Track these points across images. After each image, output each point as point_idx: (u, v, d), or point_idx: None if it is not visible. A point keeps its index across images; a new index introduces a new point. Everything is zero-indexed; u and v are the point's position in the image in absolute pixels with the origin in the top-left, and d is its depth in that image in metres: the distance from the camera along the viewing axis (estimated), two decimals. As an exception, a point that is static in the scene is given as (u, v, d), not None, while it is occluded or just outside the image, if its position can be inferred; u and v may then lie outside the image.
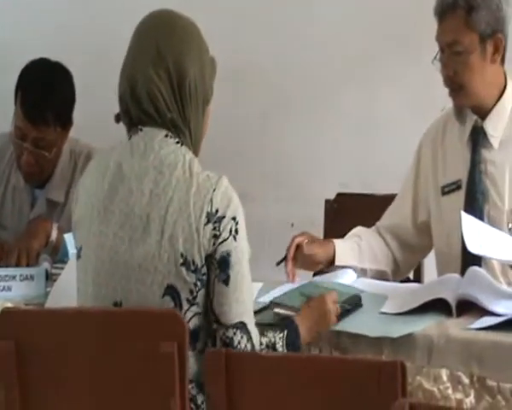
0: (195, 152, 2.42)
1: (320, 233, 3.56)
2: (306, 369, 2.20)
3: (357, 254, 3.02)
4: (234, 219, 2.35)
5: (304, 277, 3.03)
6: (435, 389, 2.52)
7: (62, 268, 3.02)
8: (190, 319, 2.38)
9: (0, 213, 3.56)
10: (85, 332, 2.34)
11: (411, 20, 3.83)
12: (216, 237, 2.35)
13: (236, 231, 2.35)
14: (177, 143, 2.38)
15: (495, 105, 2.98)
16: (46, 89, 3.37)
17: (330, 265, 2.97)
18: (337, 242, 3.01)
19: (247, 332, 2.34)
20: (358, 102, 4.04)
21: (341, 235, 3.36)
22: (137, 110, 2.40)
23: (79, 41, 4.45)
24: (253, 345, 2.36)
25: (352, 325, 2.70)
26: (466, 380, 2.50)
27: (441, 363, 2.51)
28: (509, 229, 2.93)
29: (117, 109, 2.42)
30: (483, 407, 2.47)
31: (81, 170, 3.41)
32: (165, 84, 2.40)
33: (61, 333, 2.35)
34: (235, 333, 2.36)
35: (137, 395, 2.32)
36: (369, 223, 3.25)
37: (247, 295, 2.39)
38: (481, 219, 2.96)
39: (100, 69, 4.25)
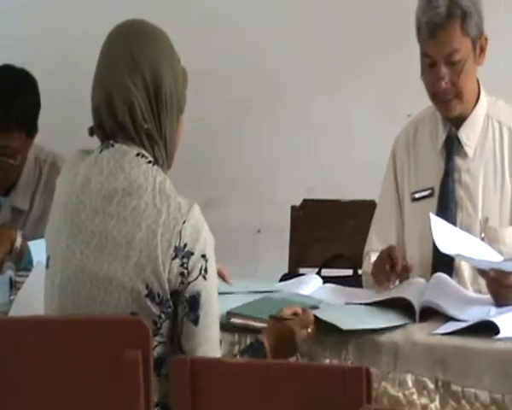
0: (169, 163, 2.38)
1: (286, 239, 3.57)
2: (271, 375, 2.17)
3: None
4: (203, 256, 2.29)
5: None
6: (400, 395, 2.52)
7: (26, 276, 3.00)
8: (154, 347, 2.34)
9: None
10: (49, 340, 2.29)
11: (380, 27, 3.85)
12: (183, 275, 2.30)
13: (206, 269, 2.30)
14: (149, 162, 2.32)
15: (470, 114, 2.99)
16: (10, 95, 3.35)
17: None
18: None
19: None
20: (326, 108, 4.07)
21: (306, 241, 3.41)
22: (112, 122, 2.34)
23: (44, 48, 4.44)
24: None
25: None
26: (431, 385, 2.50)
27: (406, 368, 2.50)
28: (482, 238, 2.91)
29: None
30: None
31: (46, 177, 3.46)
32: (142, 93, 2.37)
33: (24, 341, 2.31)
34: None
35: (102, 403, 2.28)
36: (334, 229, 3.26)
37: (215, 331, 2.36)
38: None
39: (65, 77, 4.21)
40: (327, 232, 3.28)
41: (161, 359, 2.35)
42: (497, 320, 2.48)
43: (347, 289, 2.95)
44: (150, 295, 2.29)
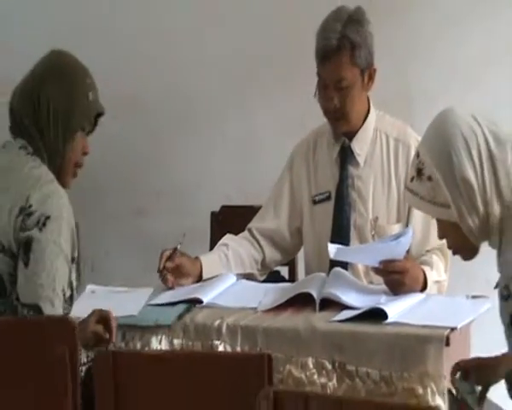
0: (62, 166, 2.53)
1: (207, 243, 3.60)
2: (184, 364, 2.19)
3: (225, 262, 3.02)
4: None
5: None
6: (303, 376, 2.54)
7: None
8: None
9: None
10: None
11: (287, 54, 3.83)
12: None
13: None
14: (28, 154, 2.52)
15: (361, 127, 3.01)
16: None
17: (200, 279, 2.96)
18: (203, 257, 3.01)
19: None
20: (239, 126, 4.05)
21: None
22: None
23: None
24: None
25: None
26: (329, 366, 2.52)
27: (308, 353, 2.52)
28: (372, 235, 2.97)
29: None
30: (344, 389, 2.48)
31: None
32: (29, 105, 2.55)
33: None
34: (28, 313, 2.37)
35: (32, 399, 2.27)
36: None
37: (46, 281, 2.38)
38: (348, 226, 3.01)
39: None
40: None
41: None
42: (386, 307, 2.52)
43: (261, 286, 2.96)
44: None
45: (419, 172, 2.23)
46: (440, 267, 2.84)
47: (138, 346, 2.62)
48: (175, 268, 2.89)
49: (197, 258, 2.97)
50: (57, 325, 2.26)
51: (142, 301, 2.79)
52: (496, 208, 2.17)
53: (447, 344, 2.41)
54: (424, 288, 2.75)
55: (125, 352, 2.39)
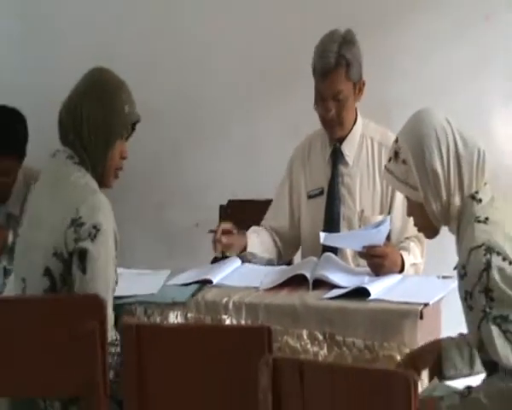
0: (104, 171, 2.46)
1: None
2: (197, 335, 2.19)
3: (259, 245, 3.02)
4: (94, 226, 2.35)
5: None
6: (298, 345, 2.54)
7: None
8: None
9: None
10: (28, 318, 2.27)
11: (285, 69, 3.79)
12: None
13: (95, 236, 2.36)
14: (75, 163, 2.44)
15: (349, 133, 3.01)
16: (4, 129, 3.30)
17: (244, 250, 2.97)
18: (248, 234, 3.01)
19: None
20: (243, 132, 4.02)
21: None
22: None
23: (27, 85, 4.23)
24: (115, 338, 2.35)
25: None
26: (320, 337, 2.52)
27: (302, 325, 2.53)
28: (359, 226, 2.98)
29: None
30: (333, 356, 2.50)
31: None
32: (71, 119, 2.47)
33: (6, 318, 2.28)
34: None
35: (69, 366, 2.26)
36: (251, 220, 3.29)
37: (101, 287, 2.35)
38: (338, 217, 3.01)
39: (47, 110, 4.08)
40: (246, 223, 3.22)
41: None
42: (369, 286, 2.55)
43: (262, 268, 2.94)
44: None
45: (396, 154, 2.19)
46: (417, 252, 2.82)
47: (158, 320, 2.61)
48: (226, 243, 2.89)
49: (245, 234, 2.98)
50: (89, 303, 2.27)
51: (161, 281, 2.79)
52: (456, 200, 2.14)
53: (421, 318, 2.42)
54: (402, 270, 2.75)
55: (147, 325, 2.40)
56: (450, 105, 3.27)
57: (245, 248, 2.94)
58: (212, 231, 2.90)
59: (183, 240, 3.94)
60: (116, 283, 2.43)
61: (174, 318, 2.63)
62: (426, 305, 2.44)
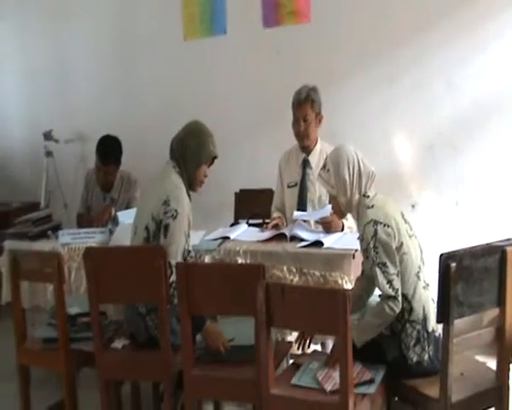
0: (192, 181, 2.54)
1: (232, 210, 3.71)
2: (220, 270, 2.30)
3: (282, 219, 3.15)
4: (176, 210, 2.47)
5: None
6: (281, 275, 2.69)
7: (115, 229, 3.19)
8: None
9: (90, 204, 3.70)
10: (130, 257, 2.35)
11: (278, 104, 3.74)
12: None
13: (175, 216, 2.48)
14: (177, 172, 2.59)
15: (313, 149, 3.15)
16: (110, 148, 3.55)
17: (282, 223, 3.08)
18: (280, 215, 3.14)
19: (170, 266, 2.45)
20: (251, 145, 3.97)
21: (242, 209, 3.48)
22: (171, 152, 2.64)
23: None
24: (172, 272, 2.47)
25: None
26: (294, 270, 2.66)
27: (283, 263, 2.68)
28: (318, 206, 3.09)
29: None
30: (302, 281, 2.64)
31: (125, 185, 3.60)
32: (179, 147, 2.56)
33: (117, 260, 2.40)
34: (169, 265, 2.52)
35: (149, 285, 2.33)
36: (256, 202, 3.33)
37: (173, 249, 2.41)
38: (306, 201, 3.07)
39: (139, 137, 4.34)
40: (253, 205, 3.33)
41: None
42: (323, 240, 2.75)
43: (259, 230, 3.02)
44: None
45: (324, 166, 2.31)
46: (352, 220, 2.90)
47: (198, 261, 2.70)
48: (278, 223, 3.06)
49: (280, 217, 3.10)
50: (161, 252, 2.39)
51: (199, 237, 2.92)
52: (356, 197, 2.27)
53: (353, 258, 2.58)
54: (342, 230, 2.93)
55: (191, 264, 2.49)
56: (367, 135, 3.46)
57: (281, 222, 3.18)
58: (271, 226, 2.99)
59: (212, 213, 4.00)
60: (188, 250, 2.54)
61: (207, 260, 2.75)
62: (356, 250, 2.60)
